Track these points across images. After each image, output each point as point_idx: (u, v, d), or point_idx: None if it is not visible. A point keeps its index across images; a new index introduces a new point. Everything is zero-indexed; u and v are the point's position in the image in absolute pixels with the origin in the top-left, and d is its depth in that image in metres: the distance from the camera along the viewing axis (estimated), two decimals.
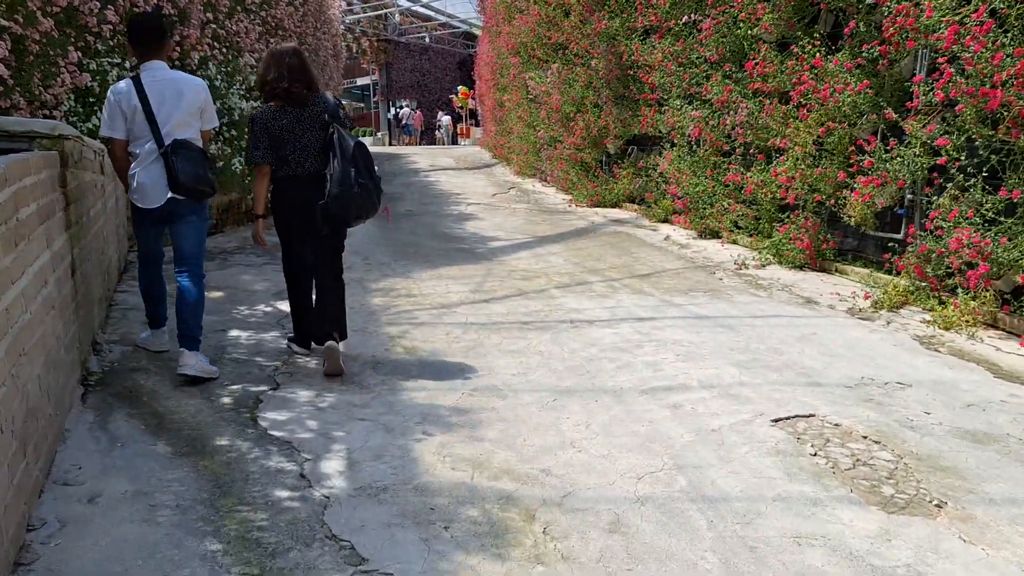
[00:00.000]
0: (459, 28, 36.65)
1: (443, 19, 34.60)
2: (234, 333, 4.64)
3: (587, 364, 4.15)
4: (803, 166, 6.61)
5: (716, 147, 8.26)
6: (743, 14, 7.37)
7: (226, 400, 3.53)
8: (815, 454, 3.02)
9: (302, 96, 3.81)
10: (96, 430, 3.09)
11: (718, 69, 8.07)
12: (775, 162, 7.14)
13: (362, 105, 40.36)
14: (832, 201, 6.27)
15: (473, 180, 15.83)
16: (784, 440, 3.14)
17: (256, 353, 4.26)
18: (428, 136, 36.17)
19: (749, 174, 7.38)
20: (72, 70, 5.11)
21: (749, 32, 7.45)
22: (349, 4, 30.07)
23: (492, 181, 15.78)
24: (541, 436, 3.19)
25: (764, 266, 6.81)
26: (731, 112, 7.62)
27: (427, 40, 35.70)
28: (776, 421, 3.34)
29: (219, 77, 7.60)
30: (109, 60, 6.02)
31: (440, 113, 36.20)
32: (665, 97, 9.39)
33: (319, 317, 3.99)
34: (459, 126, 35.04)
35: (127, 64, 6.21)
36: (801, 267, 6.69)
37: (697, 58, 8.49)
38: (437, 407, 3.52)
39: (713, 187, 8.19)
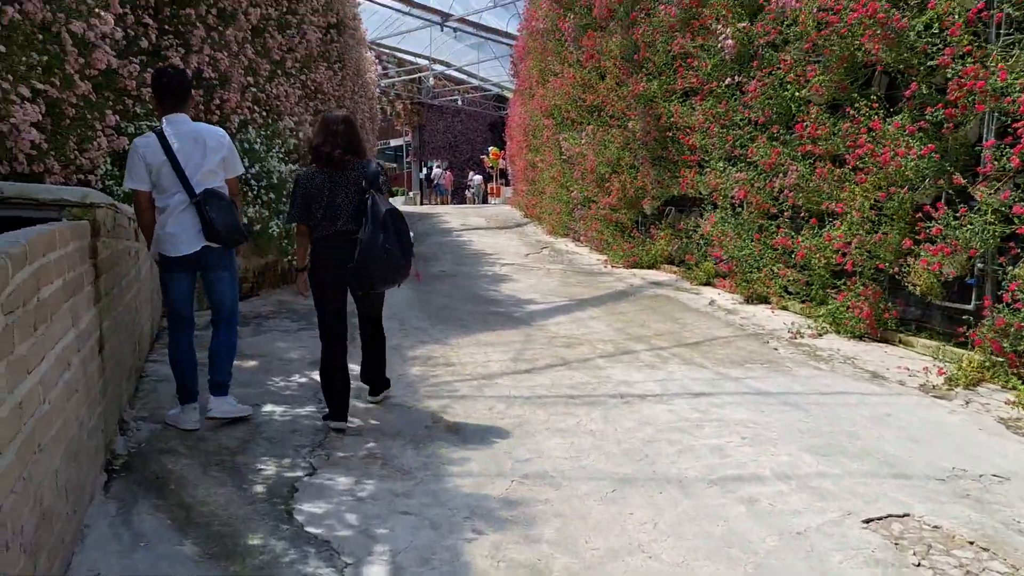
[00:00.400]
0: (491, 91, 37.19)
1: (475, 82, 35.13)
2: (268, 408, 4.38)
3: (644, 447, 3.83)
4: (861, 231, 6.31)
5: (762, 209, 7.99)
6: (791, 76, 7.18)
7: (259, 489, 3.25)
8: (919, 564, 2.66)
9: (343, 161, 3.97)
10: (118, 526, 2.82)
11: (764, 131, 7.86)
12: (828, 226, 6.85)
13: (395, 165, 40.87)
14: (896, 268, 5.93)
15: (506, 240, 15.69)
16: (881, 547, 2.78)
17: (291, 431, 3.99)
18: (458, 195, 36.40)
19: (801, 238, 7.09)
20: (109, 134, 5.02)
21: (797, 94, 7.25)
22: (384, 69, 30.66)
23: (525, 241, 15.62)
24: (604, 536, 2.86)
25: (821, 335, 6.46)
26: (780, 175, 7.37)
27: (459, 102, 36.23)
28: (868, 522, 2.98)
29: (259, 140, 7.54)
30: (148, 123, 5.94)
31: (471, 173, 36.52)
32: (706, 158, 9.19)
33: (369, 367, 4.50)
34: (489, 185, 35.26)
35: None
36: (861, 337, 6.33)
37: (741, 120, 8.30)
38: (486, 498, 3.21)
39: (760, 250, 7.89)
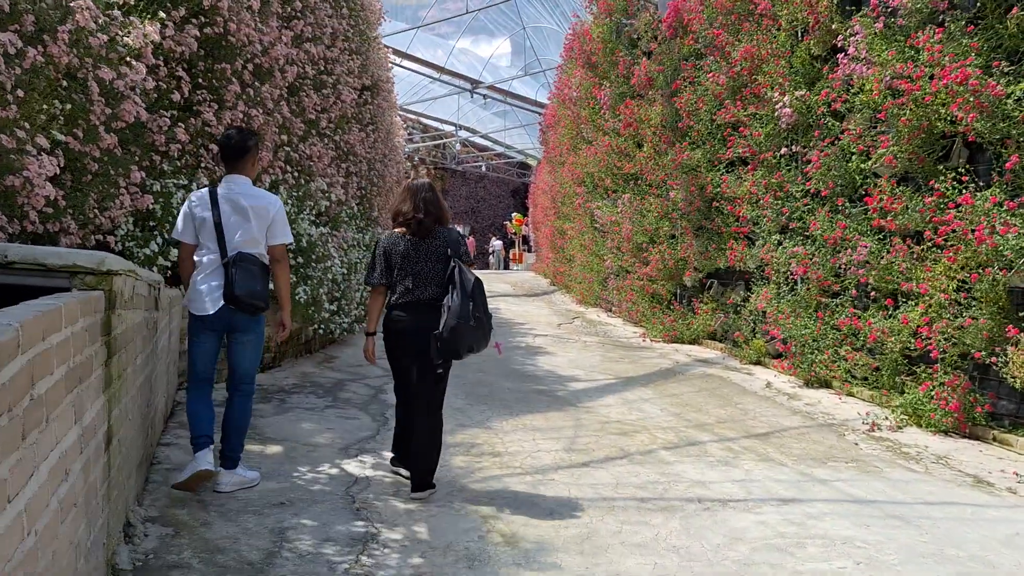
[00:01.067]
0: (514, 158, 37.33)
1: (500, 149, 35.27)
2: (295, 509, 3.81)
3: (742, 572, 3.21)
4: (946, 314, 5.74)
5: (823, 286, 7.46)
6: (859, 146, 6.73)
7: None
8: None
9: (430, 228, 4.02)
10: None
11: (824, 203, 7.39)
12: (904, 307, 6.29)
13: None
14: (994, 359, 5.34)
15: (535, 308, 15.18)
16: None
17: (324, 540, 3.41)
18: (480, 260, 36.14)
19: (873, 320, 6.52)
20: (134, 191, 4.60)
21: (863, 165, 6.80)
22: (409, 134, 30.81)
23: (554, 310, 15.11)
24: None
25: (900, 428, 5.83)
26: (846, 250, 6.86)
27: (483, 168, 36.34)
28: None
29: (289, 201, 7.14)
30: (175, 181, 5.55)
31: (493, 239, 36.35)
32: (756, 230, 8.71)
33: (413, 460, 4.03)
34: (511, 251, 35.00)
35: (194, 185, 5.76)
36: (946, 432, 5.70)
37: (798, 191, 7.84)
38: None
39: (821, 330, 7.32)
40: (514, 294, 17.67)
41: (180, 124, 5.59)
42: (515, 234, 34.70)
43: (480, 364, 8.23)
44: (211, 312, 3.79)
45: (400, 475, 4.30)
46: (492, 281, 21.71)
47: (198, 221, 3.82)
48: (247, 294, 3.77)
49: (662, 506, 4.02)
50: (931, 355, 5.84)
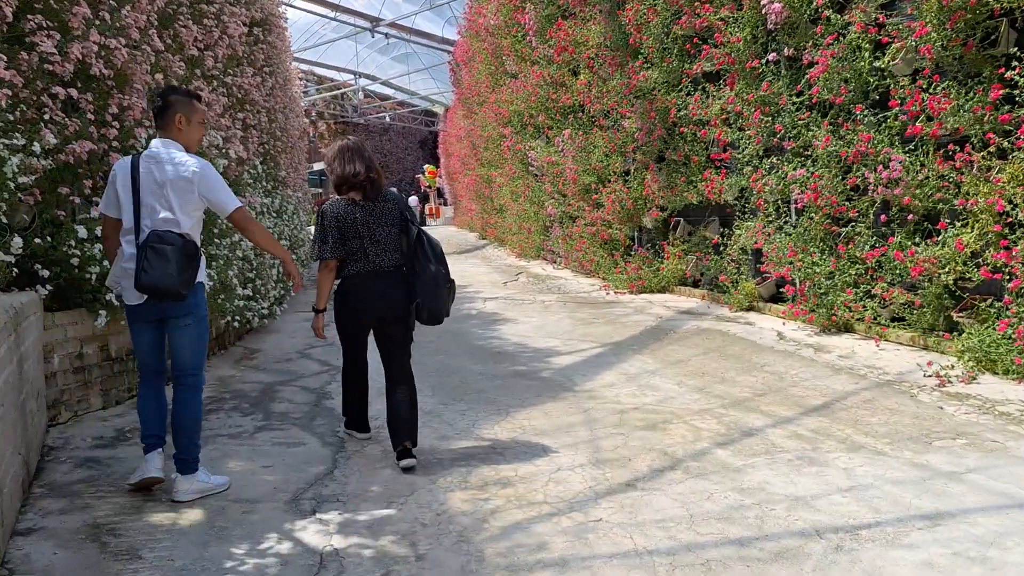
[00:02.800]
0: (419, 106, 35.30)
1: (402, 97, 33.18)
2: None
3: None
4: (1021, 234, 4.68)
5: (836, 214, 6.35)
6: (884, 38, 5.56)
7: None
8: None
9: (380, 189, 3.80)
10: None
11: (828, 114, 6.24)
12: (950, 231, 5.23)
13: (320, 191, 38.43)
14: None
15: (472, 267, 13.79)
16: None
17: None
18: None
19: (918, 248, 5.44)
20: None
21: (877, 64, 5.65)
22: (304, 87, 28.42)
23: (493, 267, 13.76)
24: None
25: (974, 379, 4.79)
26: (868, 168, 5.74)
27: (387, 120, 34.18)
28: None
29: None
30: (6, 141, 3.88)
31: (411, 196, 34.57)
32: (738, 156, 7.52)
33: (393, 426, 3.83)
34: (427, 206, 33.28)
35: (36, 146, 4.11)
36: None
37: (793, 104, 6.66)
38: None
39: (837, 265, 6.24)
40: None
41: (3, 58, 3.92)
42: (429, 187, 32.95)
43: (436, 343, 6.83)
44: (134, 302, 3.38)
45: (354, 436, 4.22)
46: None
47: (120, 194, 3.35)
48: (153, 283, 3.24)
49: (774, 551, 2.78)
50: (1010, 286, 4.78)
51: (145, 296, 3.32)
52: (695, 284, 9.01)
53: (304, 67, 25.49)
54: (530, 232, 13.80)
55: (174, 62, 5.99)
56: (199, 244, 3.44)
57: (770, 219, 7.17)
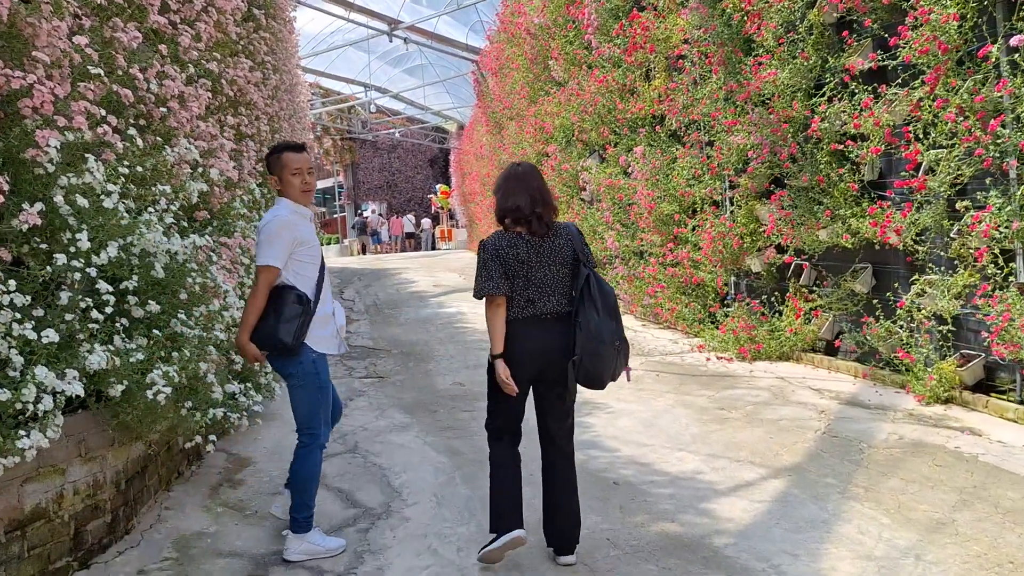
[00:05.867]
0: (429, 122, 33.25)
1: (411, 112, 31.11)
2: None
3: None
4: None
5: None
6: None
7: None
8: None
9: (550, 224, 3.22)
10: None
11: None
12: None
13: (324, 210, 36.32)
14: None
15: None
16: None
17: None
18: (404, 242, 32.20)
19: None
20: None
21: None
22: (309, 98, 26.34)
23: None
24: None
25: None
26: None
27: (396, 136, 32.08)
28: None
29: (113, 187, 3.27)
30: None
31: (424, 218, 32.58)
32: (933, 185, 5.34)
33: (557, 518, 3.25)
34: (439, 228, 31.18)
35: None
36: None
37: None
38: None
39: None
40: (469, 286, 13.88)
41: None
42: (442, 208, 30.83)
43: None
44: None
45: (503, 546, 3.15)
46: (433, 269, 17.91)
47: None
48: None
49: None
50: None
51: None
52: (829, 351, 6.80)
53: (311, 77, 23.42)
54: None
55: (122, 28, 3.80)
56: (300, 298, 3.34)
57: (985, 273, 4.98)
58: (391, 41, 16.56)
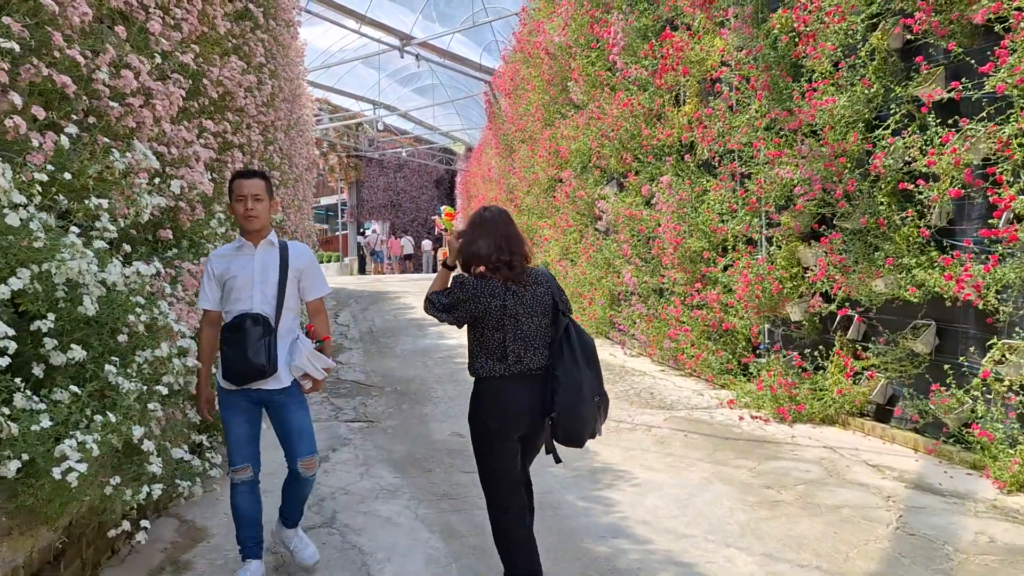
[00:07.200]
0: (436, 143, 32.64)
1: (419, 132, 30.49)
2: None
3: None
4: None
5: None
6: None
7: None
8: None
9: (523, 272, 3.00)
10: None
11: None
12: None
13: (326, 227, 35.63)
14: None
15: None
16: None
17: None
18: (403, 263, 31.47)
19: None
20: None
21: None
22: (316, 113, 25.71)
23: None
24: None
25: None
26: None
27: (402, 155, 31.43)
28: None
29: (25, 191, 2.50)
30: None
31: (424, 240, 31.89)
32: None
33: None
34: (441, 251, 30.45)
35: None
36: None
37: None
38: None
39: None
40: None
41: None
42: (445, 230, 30.12)
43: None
44: None
45: None
46: None
47: None
48: None
49: None
50: None
51: None
52: (879, 416, 6.00)
53: (319, 92, 22.81)
54: (590, 302, 10.79)
55: (69, 3, 3.05)
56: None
57: None
58: (402, 57, 15.90)
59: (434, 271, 29.94)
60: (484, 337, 2.97)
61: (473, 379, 3.05)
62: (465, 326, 3.04)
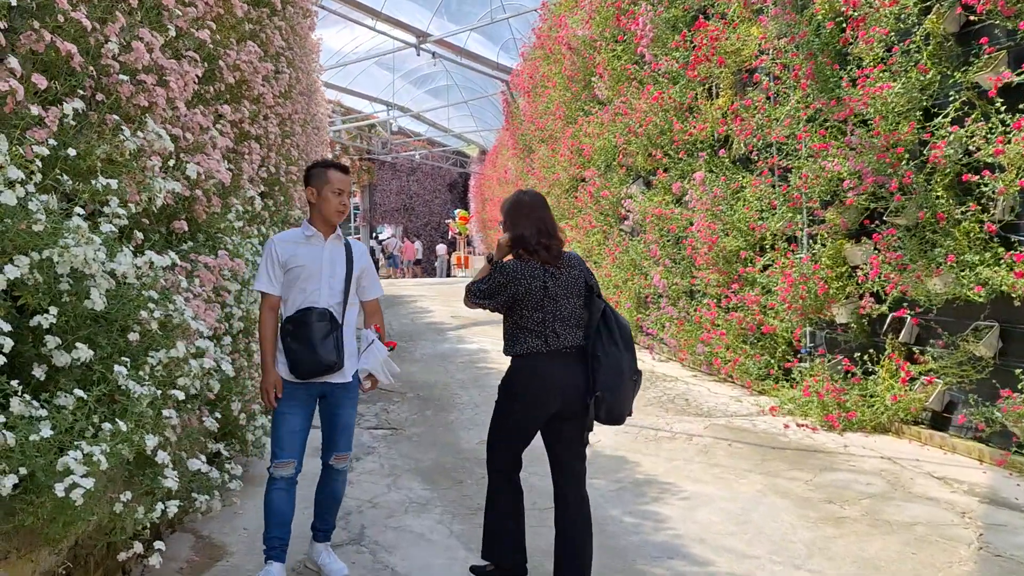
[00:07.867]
0: (450, 145, 32.36)
1: (432, 134, 30.22)
2: None
3: None
4: None
5: None
6: None
7: None
8: None
9: (560, 255, 3.06)
10: None
11: None
12: None
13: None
14: None
15: None
16: None
17: None
18: (426, 267, 31.19)
19: None
20: None
21: None
22: (329, 115, 25.46)
23: None
24: None
25: None
26: None
27: (416, 158, 31.18)
28: None
29: (24, 167, 2.20)
30: None
31: (438, 244, 31.60)
32: None
33: (568, 554, 2.99)
34: (455, 255, 30.16)
35: None
36: None
37: None
38: None
39: None
40: (492, 319, 12.70)
41: None
42: (460, 234, 29.82)
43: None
44: None
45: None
46: (449, 298, 16.77)
47: None
48: None
49: None
50: None
51: None
52: (935, 424, 5.62)
53: (332, 94, 22.57)
54: (616, 305, 10.44)
55: None
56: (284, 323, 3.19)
57: None
58: (419, 55, 15.61)
59: (448, 275, 29.65)
60: (523, 318, 3.02)
61: (509, 361, 3.10)
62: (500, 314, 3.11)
